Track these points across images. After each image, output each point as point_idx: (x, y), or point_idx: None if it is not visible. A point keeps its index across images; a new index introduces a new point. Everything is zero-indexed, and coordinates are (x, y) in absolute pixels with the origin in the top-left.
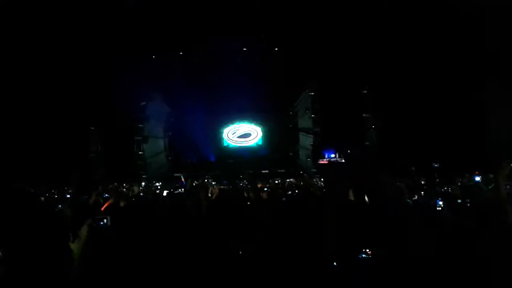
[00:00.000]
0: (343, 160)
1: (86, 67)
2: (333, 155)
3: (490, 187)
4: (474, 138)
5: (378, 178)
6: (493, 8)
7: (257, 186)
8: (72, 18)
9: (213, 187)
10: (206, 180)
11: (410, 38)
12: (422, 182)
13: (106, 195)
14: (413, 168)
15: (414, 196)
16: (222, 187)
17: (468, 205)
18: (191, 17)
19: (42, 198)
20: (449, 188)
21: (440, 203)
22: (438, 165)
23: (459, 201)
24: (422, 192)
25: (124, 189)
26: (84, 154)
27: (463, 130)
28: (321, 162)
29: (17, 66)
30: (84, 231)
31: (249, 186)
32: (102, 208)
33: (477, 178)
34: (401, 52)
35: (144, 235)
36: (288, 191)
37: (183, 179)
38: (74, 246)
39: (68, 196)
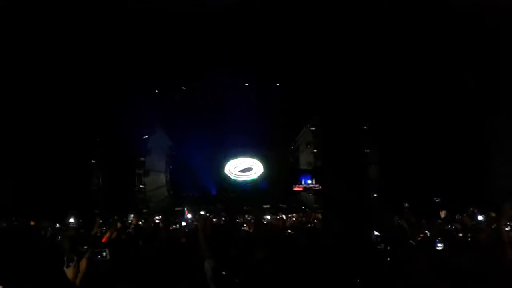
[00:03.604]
0: (318, 187)
1: (88, 101)
2: (309, 181)
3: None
4: (476, 173)
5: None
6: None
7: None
8: (74, 52)
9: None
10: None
11: (412, 74)
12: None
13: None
14: (406, 205)
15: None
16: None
17: (470, 239)
18: (193, 52)
19: (43, 232)
20: (453, 226)
21: (440, 245)
22: (439, 200)
23: (461, 234)
24: (427, 232)
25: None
26: (85, 188)
27: (465, 165)
28: (295, 188)
29: (19, 99)
30: (83, 263)
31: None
32: (103, 240)
33: (480, 217)
34: (402, 87)
35: (138, 270)
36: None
37: (186, 212)
38: (69, 271)
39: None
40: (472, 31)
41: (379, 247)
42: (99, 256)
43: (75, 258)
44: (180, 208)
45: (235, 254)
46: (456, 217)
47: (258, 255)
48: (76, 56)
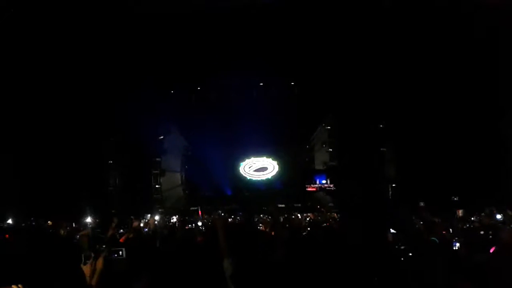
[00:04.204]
0: (332, 187)
1: (104, 102)
2: (324, 181)
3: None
4: (494, 171)
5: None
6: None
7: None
8: (90, 53)
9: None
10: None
11: (428, 72)
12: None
13: (121, 230)
14: (421, 204)
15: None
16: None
17: (491, 237)
18: (208, 52)
19: (62, 232)
20: (471, 225)
21: (457, 244)
22: (457, 199)
23: (482, 232)
24: (451, 229)
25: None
26: (102, 188)
27: (483, 163)
28: (309, 189)
29: (36, 103)
30: (100, 262)
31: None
32: (121, 240)
33: (499, 216)
34: (419, 85)
35: (155, 269)
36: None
37: (200, 212)
38: (86, 268)
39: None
40: (492, 27)
41: (397, 246)
42: (116, 255)
43: (92, 255)
44: (196, 208)
45: (253, 253)
46: (474, 217)
47: (278, 255)
48: (93, 58)
